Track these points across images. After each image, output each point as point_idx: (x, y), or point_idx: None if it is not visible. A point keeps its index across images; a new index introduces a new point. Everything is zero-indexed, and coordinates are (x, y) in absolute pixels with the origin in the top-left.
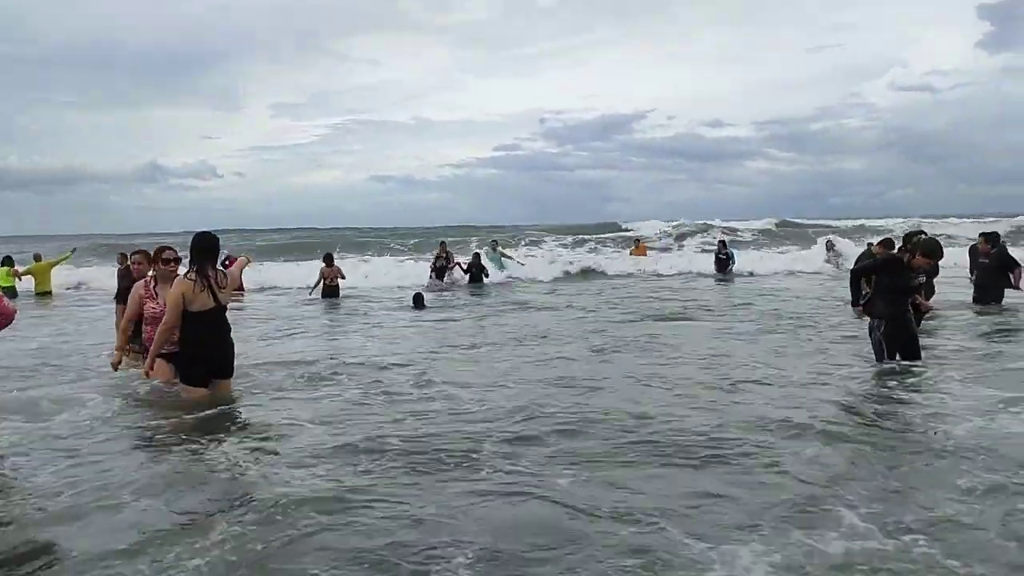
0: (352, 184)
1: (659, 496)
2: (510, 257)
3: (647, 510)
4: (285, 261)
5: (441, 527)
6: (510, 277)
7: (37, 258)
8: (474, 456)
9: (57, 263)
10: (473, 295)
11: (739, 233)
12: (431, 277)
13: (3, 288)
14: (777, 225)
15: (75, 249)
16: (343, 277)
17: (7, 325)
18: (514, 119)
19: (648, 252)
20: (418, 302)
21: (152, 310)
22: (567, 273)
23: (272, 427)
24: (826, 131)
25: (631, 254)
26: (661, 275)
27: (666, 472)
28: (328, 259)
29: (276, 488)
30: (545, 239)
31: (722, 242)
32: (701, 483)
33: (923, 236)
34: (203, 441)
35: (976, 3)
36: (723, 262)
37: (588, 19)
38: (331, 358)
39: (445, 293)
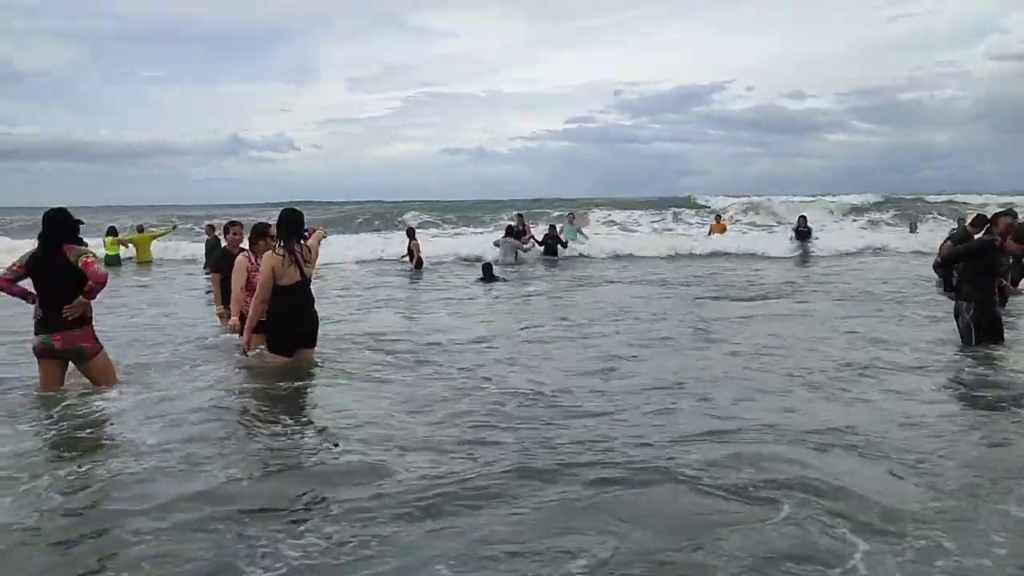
0: (425, 157)
1: (811, 481)
2: (585, 236)
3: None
4: (360, 233)
5: (569, 519)
6: (582, 253)
7: (140, 229)
8: (592, 447)
9: (158, 236)
10: (548, 269)
11: (825, 208)
12: (504, 243)
13: (108, 256)
14: (877, 202)
15: (176, 226)
16: (419, 251)
17: (101, 290)
18: (587, 91)
19: (728, 228)
20: (487, 272)
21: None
22: (649, 250)
23: (364, 411)
24: (915, 102)
25: (711, 231)
26: (738, 253)
27: (820, 461)
28: (411, 233)
29: (374, 477)
30: (619, 213)
31: (803, 217)
32: (850, 471)
33: (1011, 215)
34: (296, 419)
35: None
36: (803, 234)
37: None
38: (418, 335)
39: (521, 265)
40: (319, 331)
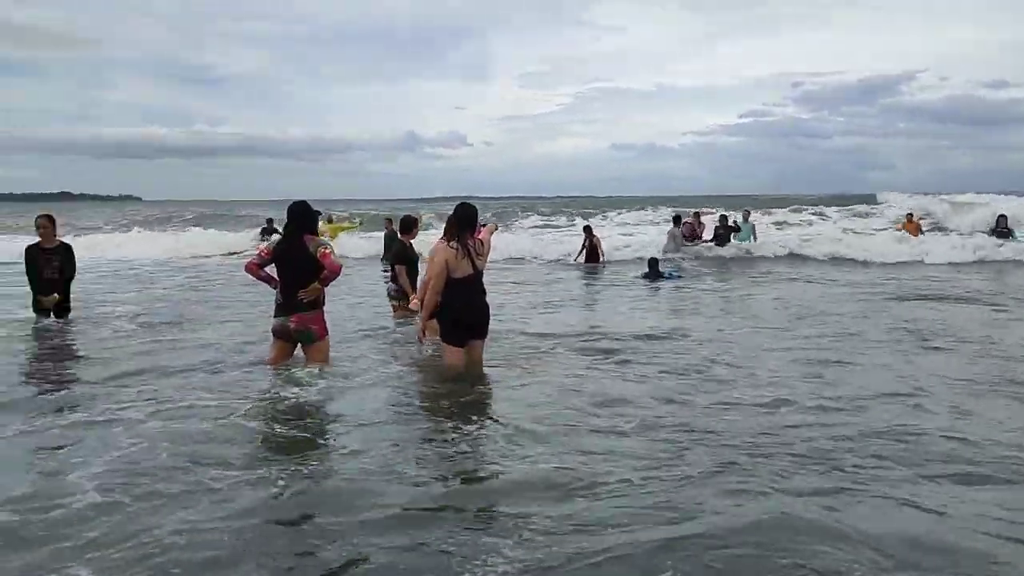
0: (594, 152)
1: None
2: (756, 237)
3: None
4: (532, 228)
5: (795, 534)
6: (751, 251)
7: (329, 220)
8: (819, 458)
9: (345, 230)
10: (718, 266)
11: None
12: (668, 233)
13: None
14: None
15: (362, 223)
16: (601, 246)
17: (335, 279)
18: (763, 83)
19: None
20: (653, 267)
21: None
22: (828, 250)
23: (556, 412)
24: None
25: (900, 229)
26: (927, 259)
27: None
28: (588, 230)
29: (573, 488)
30: (796, 211)
31: (1002, 216)
32: None
33: None
34: (487, 419)
35: None
36: (1003, 235)
37: None
38: (606, 331)
39: (690, 260)
40: (491, 323)
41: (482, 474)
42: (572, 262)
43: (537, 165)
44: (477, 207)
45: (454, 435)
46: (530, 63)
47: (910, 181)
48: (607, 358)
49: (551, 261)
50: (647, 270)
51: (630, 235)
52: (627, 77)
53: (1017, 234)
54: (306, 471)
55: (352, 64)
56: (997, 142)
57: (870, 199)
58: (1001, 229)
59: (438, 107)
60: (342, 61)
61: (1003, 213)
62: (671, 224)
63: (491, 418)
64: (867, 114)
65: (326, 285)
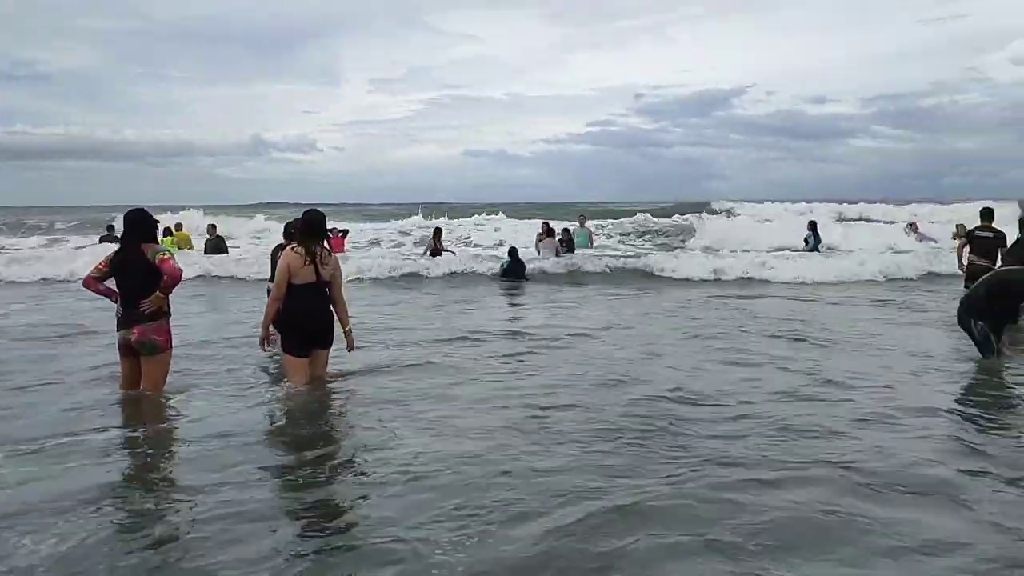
0: (446, 159)
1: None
2: (591, 243)
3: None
4: (384, 232)
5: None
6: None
7: (179, 227)
8: (680, 433)
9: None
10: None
11: (834, 215)
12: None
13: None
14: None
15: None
16: (451, 251)
17: (175, 285)
18: (609, 94)
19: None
20: (514, 256)
21: None
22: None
23: (429, 424)
24: (939, 107)
25: None
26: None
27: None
28: (437, 231)
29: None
30: (635, 218)
31: (812, 223)
32: None
33: None
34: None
35: None
36: (810, 244)
37: None
38: (482, 335)
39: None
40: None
41: (363, 500)
42: (424, 265)
43: (390, 171)
44: (324, 214)
45: (326, 461)
46: (381, 68)
47: (746, 190)
48: (498, 363)
49: (407, 275)
50: (508, 259)
51: (482, 240)
52: (479, 85)
53: (821, 239)
54: (168, 512)
55: (195, 64)
56: (820, 154)
57: (707, 207)
58: (810, 236)
59: (286, 111)
60: (184, 61)
61: (812, 220)
62: (543, 235)
63: (362, 431)
64: (704, 126)
65: (167, 293)
